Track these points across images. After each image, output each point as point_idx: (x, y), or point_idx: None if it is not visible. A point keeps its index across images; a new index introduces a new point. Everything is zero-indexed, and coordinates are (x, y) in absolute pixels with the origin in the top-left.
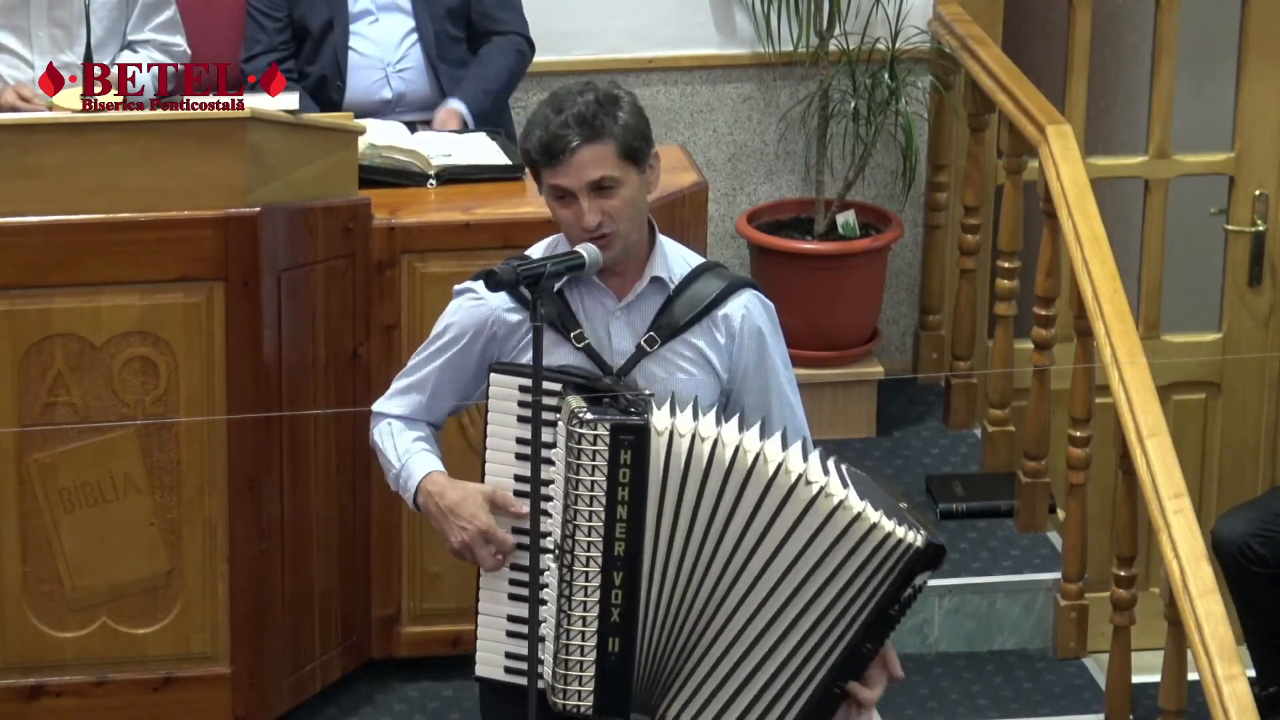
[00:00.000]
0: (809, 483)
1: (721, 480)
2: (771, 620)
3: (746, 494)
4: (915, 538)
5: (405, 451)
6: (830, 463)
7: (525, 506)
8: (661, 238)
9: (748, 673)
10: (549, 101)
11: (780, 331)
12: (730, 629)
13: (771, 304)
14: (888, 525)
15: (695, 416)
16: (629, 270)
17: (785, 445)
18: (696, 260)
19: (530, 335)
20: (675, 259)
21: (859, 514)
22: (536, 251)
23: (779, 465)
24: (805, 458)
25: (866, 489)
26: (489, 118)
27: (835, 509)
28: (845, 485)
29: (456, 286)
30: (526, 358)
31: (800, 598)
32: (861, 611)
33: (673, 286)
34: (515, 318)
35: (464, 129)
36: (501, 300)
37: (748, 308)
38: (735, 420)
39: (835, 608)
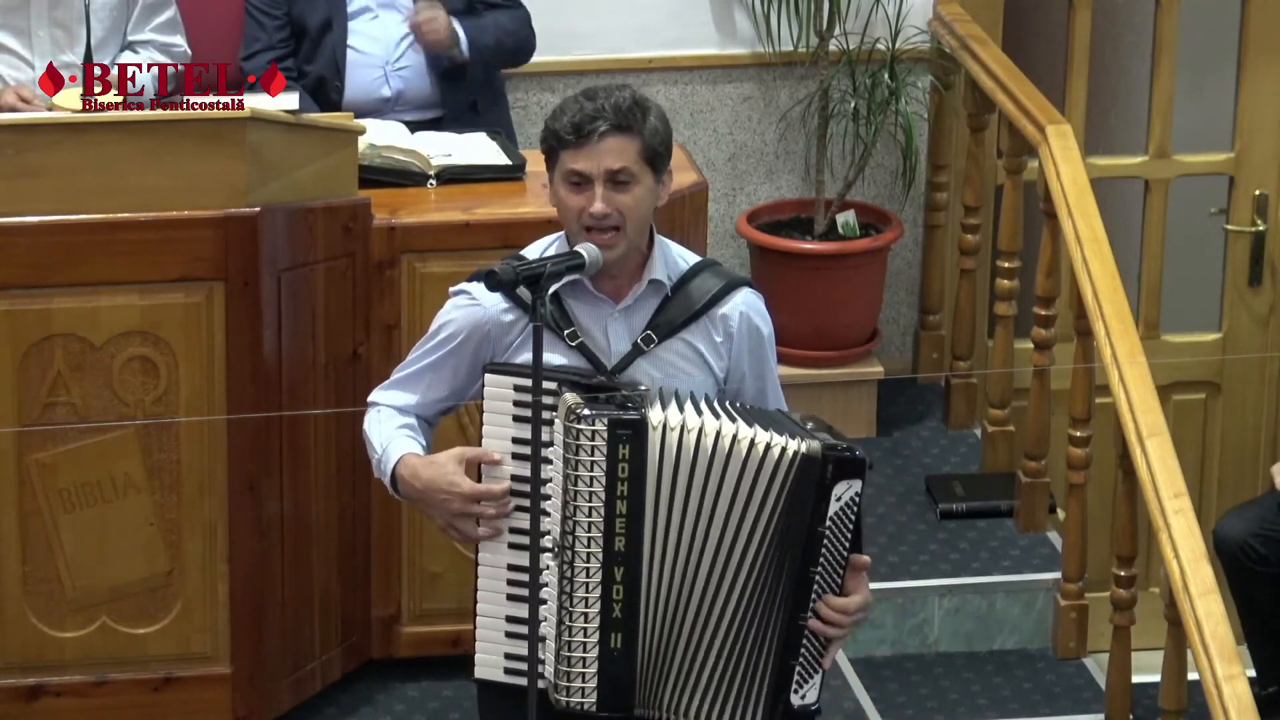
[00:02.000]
0: (721, 435)
1: (706, 468)
2: (734, 581)
3: (726, 474)
4: (802, 445)
5: (388, 438)
6: (726, 403)
7: (497, 454)
8: (659, 239)
9: (730, 641)
10: (582, 92)
11: (773, 333)
12: (715, 609)
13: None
14: (771, 439)
15: (682, 409)
16: (627, 273)
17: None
18: (693, 259)
19: (525, 335)
20: (673, 259)
21: (746, 438)
22: (532, 251)
23: (717, 433)
24: (716, 415)
25: (769, 421)
26: (477, 52)
27: (747, 447)
28: (750, 425)
29: (452, 288)
30: (521, 357)
31: (739, 546)
32: (789, 536)
33: (670, 286)
34: (509, 318)
35: (451, 42)
36: (496, 301)
37: (745, 307)
38: (708, 408)
39: (767, 541)
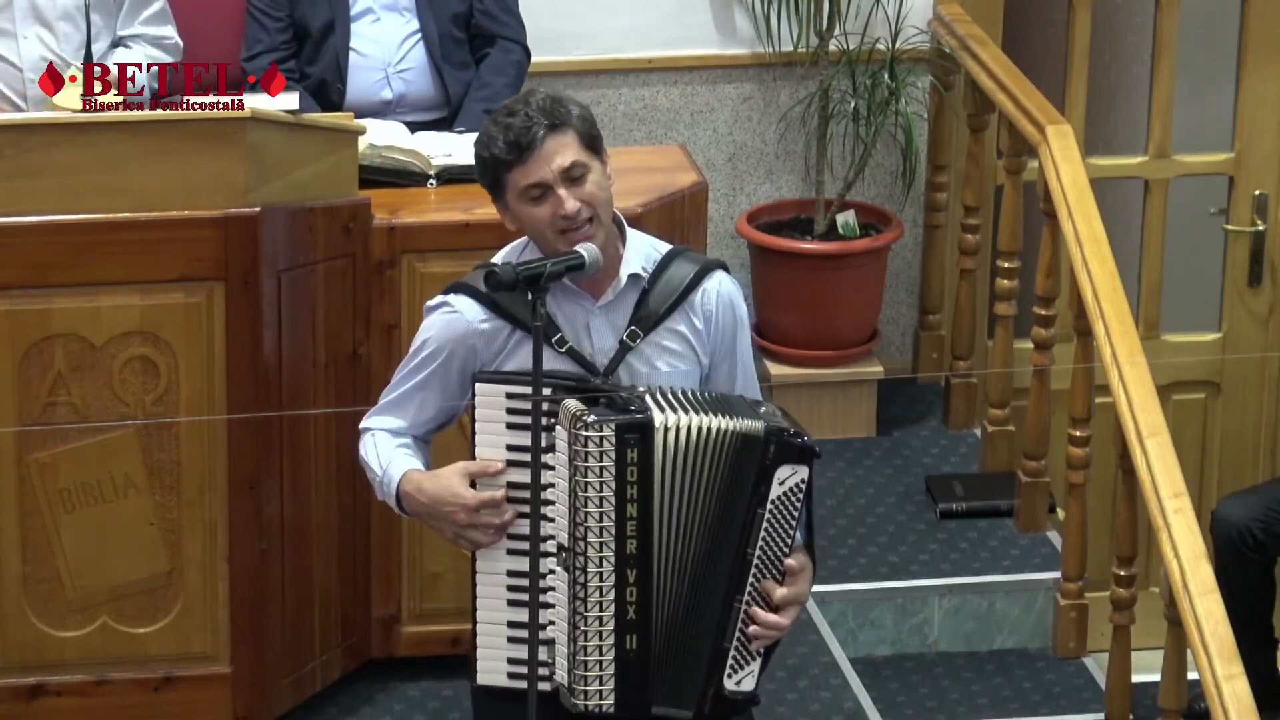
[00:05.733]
0: (694, 428)
1: (688, 461)
2: (707, 566)
3: (699, 464)
4: (746, 424)
5: (387, 459)
6: (688, 393)
7: (501, 464)
8: (630, 230)
9: (699, 626)
10: (495, 117)
11: (747, 314)
12: (697, 596)
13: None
14: (722, 423)
15: (662, 406)
16: (604, 269)
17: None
18: (664, 247)
19: (511, 344)
20: (645, 251)
21: (712, 427)
22: (500, 259)
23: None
24: (685, 408)
25: (725, 406)
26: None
27: (708, 435)
28: (711, 413)
29: (428, 303)
30: (508, 365)
31: (707, 531)
32: (731, 515)
33: (646, 278)
34: (487, 327)
35: None
36: (476, 311)
37: (720, 290)
38: (675, 401)
39: (712, 520)
